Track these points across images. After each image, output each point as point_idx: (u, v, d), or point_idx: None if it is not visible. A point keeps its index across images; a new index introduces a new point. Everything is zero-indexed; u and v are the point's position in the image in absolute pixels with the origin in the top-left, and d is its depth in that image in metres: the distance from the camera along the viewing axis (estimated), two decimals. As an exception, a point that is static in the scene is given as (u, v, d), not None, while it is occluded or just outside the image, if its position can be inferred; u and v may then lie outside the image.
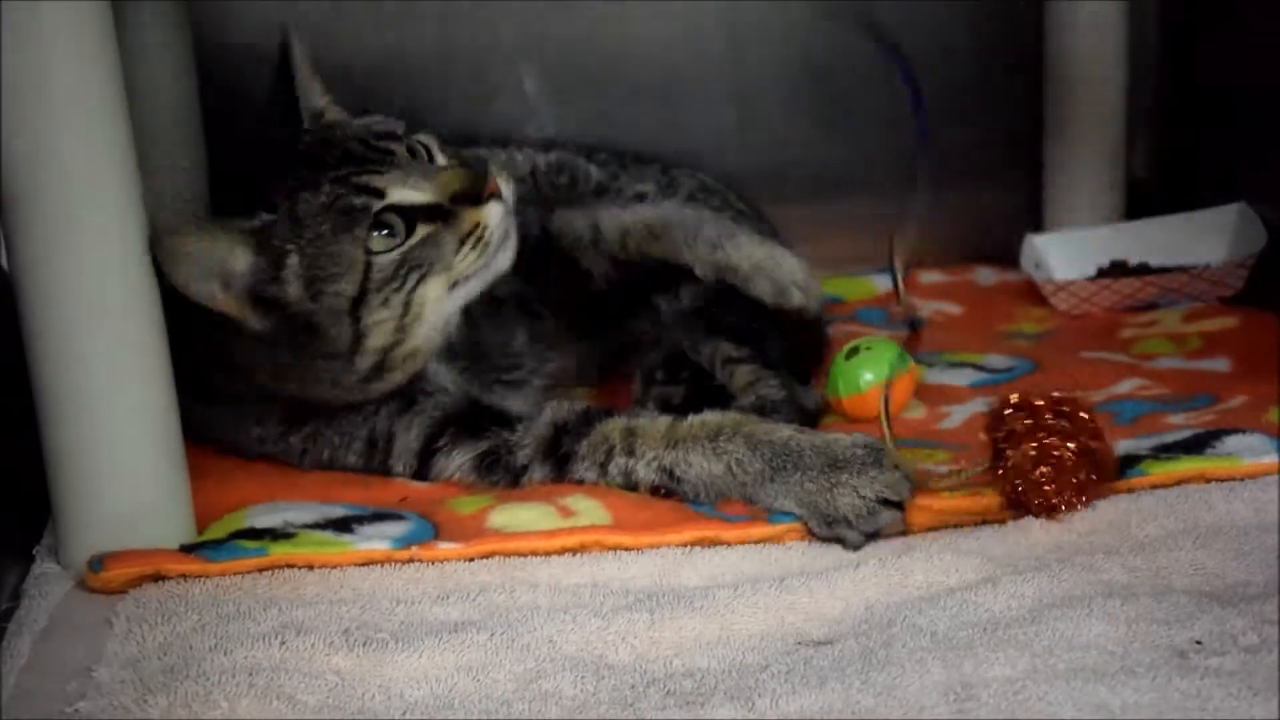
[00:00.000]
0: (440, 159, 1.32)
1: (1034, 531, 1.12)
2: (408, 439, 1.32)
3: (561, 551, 1.16)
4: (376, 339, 1.25)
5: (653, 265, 1.48)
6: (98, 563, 1.12)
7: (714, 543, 1.16)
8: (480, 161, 1.31)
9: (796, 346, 1.56)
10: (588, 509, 1.21)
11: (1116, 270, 1.79)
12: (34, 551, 1.21)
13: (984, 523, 1.17)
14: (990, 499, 1.16)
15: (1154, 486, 1.16)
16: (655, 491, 1.24)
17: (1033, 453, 1.13)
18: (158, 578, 1.13)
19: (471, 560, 1.15)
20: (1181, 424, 1.30)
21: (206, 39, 1.66)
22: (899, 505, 1.15)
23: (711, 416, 1.25)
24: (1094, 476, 1.14)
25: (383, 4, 1.82)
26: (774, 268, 1.43)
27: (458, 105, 1.86)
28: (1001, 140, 1.97)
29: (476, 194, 1.26)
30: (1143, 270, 1.77)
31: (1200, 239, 1.76)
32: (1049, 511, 1.14)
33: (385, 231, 1.24)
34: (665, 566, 1.14)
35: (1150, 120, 1.95)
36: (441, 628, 1.04)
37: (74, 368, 1.13)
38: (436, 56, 1.84)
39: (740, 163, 1.88)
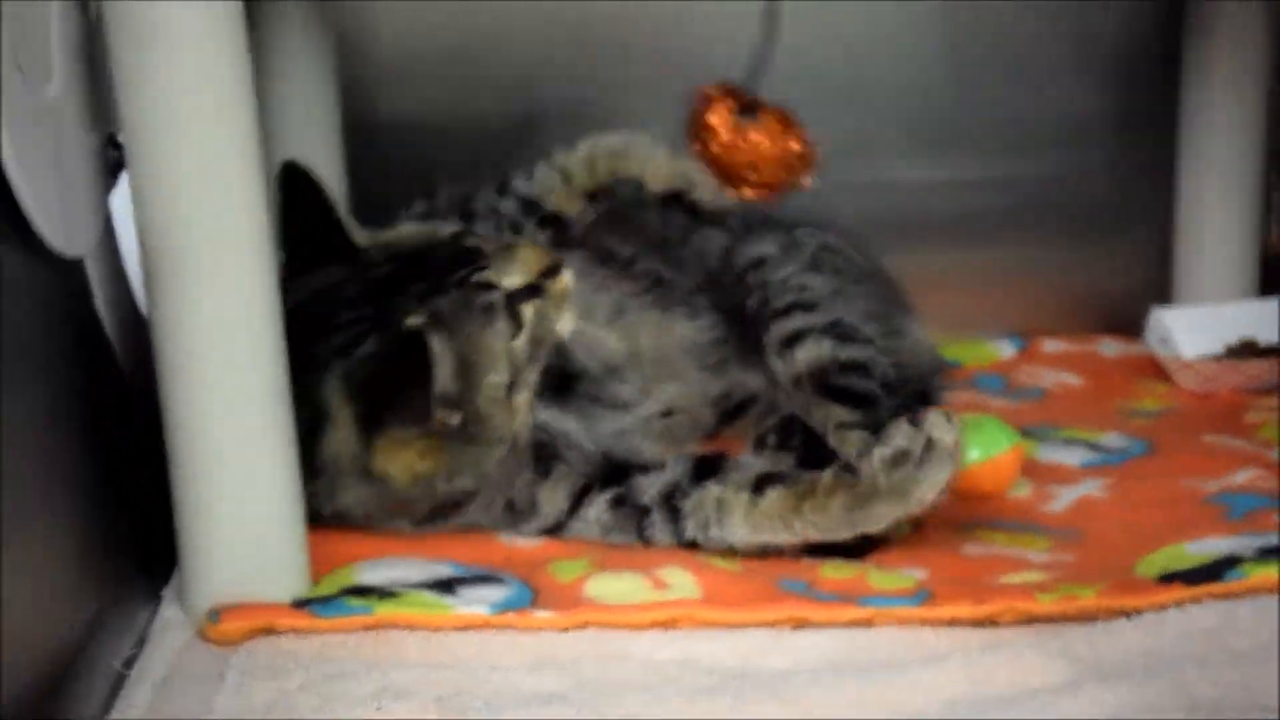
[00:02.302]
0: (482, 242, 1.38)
1: (1125, 633, 1.11)
2: (555, 502, 1.37)
3: (652, 625, 1.18)
4: (521, 415, 1.32)
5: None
6: (215, 614, 1.18)
7: (802, 622, 1.18)
8: (511, 237, 1.43)
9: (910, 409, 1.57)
10: (680, 582, 1.23)
11: (1246, 350, 1.75)
12: (162, 594, 1.28)
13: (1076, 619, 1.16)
14: (1085, 602, 1.16)
15: (1252, 591, 1.14)
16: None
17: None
18: (270, 631, 1.18)
19: (566, 630, 1.18)
20: (1290, 524, 1.28)
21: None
22: None
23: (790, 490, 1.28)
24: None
25: (525, 56, 1.85)
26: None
27: None
28: (1133, 210, 1.95)
29: (556, 267, 1.35)
30: (1274, 351, 1.73)
31: (1339, 321, 1.72)
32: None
33: (511, 318, 1.31)
34: (754, 646, 1.16)
35: (1289, 194, 1.91)
36: (533, 698, 1.08)
37: (201, 419, 1.19)
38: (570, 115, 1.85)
39: (859, 210, 1.85)
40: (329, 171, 1.69)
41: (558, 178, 1.57)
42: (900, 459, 1.25)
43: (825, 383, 1.49)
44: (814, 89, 1.81)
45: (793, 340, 1.53)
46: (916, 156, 1.92)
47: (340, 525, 1.32)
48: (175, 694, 1.10)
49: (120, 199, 1.26)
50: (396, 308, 1.28)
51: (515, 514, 1.37)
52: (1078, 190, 1.94)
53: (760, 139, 1.46)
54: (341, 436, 1.27)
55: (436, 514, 1.34)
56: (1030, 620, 1.16)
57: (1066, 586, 1.19)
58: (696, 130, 1.49)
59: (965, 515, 1.40)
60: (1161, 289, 1.91)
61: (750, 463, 1.35)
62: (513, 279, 1.32)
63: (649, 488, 1.33)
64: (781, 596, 1.21)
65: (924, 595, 1.20)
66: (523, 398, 1.32)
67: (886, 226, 1.86)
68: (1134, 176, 1.94)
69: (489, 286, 1.31)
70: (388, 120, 1.85)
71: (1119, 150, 1.93)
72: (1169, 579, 1.18)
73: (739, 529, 1.28)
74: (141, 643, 1.21)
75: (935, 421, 1.26)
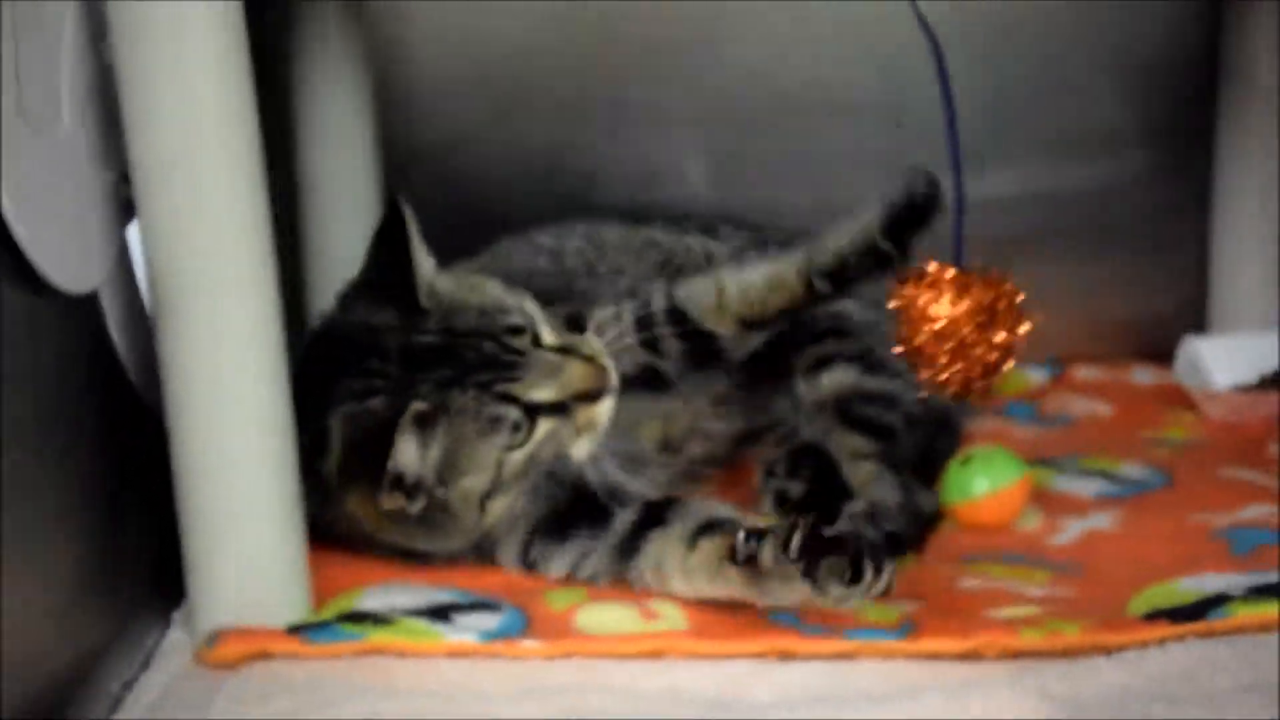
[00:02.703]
0: (546, 334, 1.34)
1: (1102, 672, 1.10)
2: (509, 545, 1.37)
3: (638, 655, 1.20)
4: (491, 518, 1.32)
5: (777, 322, 1.46)
6: (212, 639, 1.22)
7: (787, 654, 1.18)
8: (585, 343, 1.34)
9: (931, 443, 1.57)
10: (669, 614, 1.25)
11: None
12: (172, 617, 1.32)
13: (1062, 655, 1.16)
14: (1069, 639, 1.15)
15: (1236, 630, 1.13)
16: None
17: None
18: (266, 656, 1.21)
19: (552, 659, 1.20)
20: (1296, 562, 1.26)
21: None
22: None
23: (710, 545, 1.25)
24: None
25: (561, 82, 1.87)
26: None
27: (622, 187, 1.90)
28: (1169, 234, 1.92)
29: (600, 392, 1.32)
30: (1306, 382, 1.71)
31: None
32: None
33: (514, 429, 1.29)
34: (738, 678, 1.16)
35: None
36: (514, 727, 1.10)
37: (205, 449, 1.23)
38: (611, 135, 1.89)
39: None
40: (366, 196, 1.73)
41: (714, 295, 1.45)
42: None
43: (848, 410, 1.49)
44: (842, 108, 1.87)
45: (821, 364, 1.53)
46: (947, 177, 1.91)
47: (334, 534, 1.35)
48: (165, 715, 1.13)
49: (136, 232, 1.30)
50: (417, 382, 1.28)
51: (481, 553, 1.38)
52: (1113, 212, 1.92)
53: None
54: (330, 463, 1.29)
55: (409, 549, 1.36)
56: (1014, 655, 1.15)
57: (1053, 622, 1.18)
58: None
59: (969, 547, 1.40)
60: (1199, 313, 1.89)
61: (696, 510, 1.31)
62: (542, 392, 1.30)
63: (594, 538, 1.33)
64: (767, 628, 1.21)
65: (907, 628, 1.20)
66: (500, 503, 1.31)
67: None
68: (1170, 199, 1.91)
69: (508, 400, 1.29)
70: (424, 145, 1.87)
71: (1155, 173, 1.90)
72: (1155, 616, 1.17)
73: (676, 582, 1.26)
74: (147, 665, 1.24)
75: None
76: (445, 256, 1.45)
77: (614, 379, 1.33)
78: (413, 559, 1.35)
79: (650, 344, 1.44)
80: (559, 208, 1.79)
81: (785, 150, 1.90)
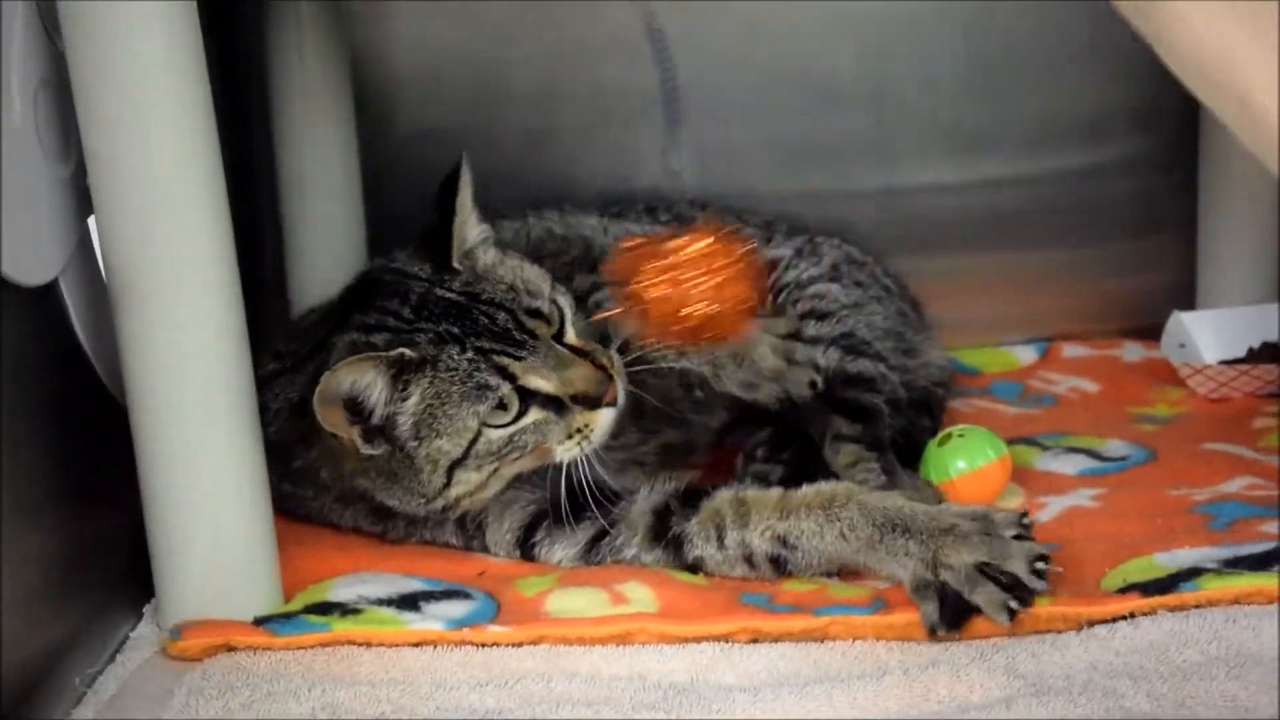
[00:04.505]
0: (570, 334, 1.33)
1: (1070, 648, 1.08)
2: (500, 531, 1.36)
3: (607, 640, 1.18)
4: (457, 491, 1.30)
5: None
6: (176, 631, 1.21)
7: (755, 634, 1.17)
8: (604, 353, 1.32)
9: (913, 426, 1.55)
10: (639, 597, 1.23)
11: (1268, 353, 1.70)
12: (143, 610, 1.31)
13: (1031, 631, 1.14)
14: (1039, 611, 1.13)
15: (1207, 603, 1.11)
16: (774, 563, 1.26)
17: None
18: (230, 648, 1.20)
19: (520, 645, 1.19)
20: (1273, 534, 1.23)
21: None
22: (1010, 586, 1.13)
23: (825, 486, 1.27)
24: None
25: (538, 70, 1.86)
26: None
27: (604, 173, 1.88)
28: (1157, 212, 1.90)
29: (598, 399, 1.29)
30: (1292, 354, 1.68)
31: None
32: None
33: (500, 407, 1.28)
34: (704, 662, 1.15)
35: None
36: (473, 714, 1.09)
37: (169, 440, 1.22)
38: (585, 127, 1.88)
39: (877, 214, 1.86)
40: (344, 183, 1.73)
41: None
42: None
43: (830, 393, 1.47)
44: (830, 93, 1.85)
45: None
46: (934, 160, 1.89)
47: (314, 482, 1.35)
48: (123, 711, 1.12)
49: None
50: (424, 330, 1.28)
51: (465, 532, 1.37)
52: (1100, 192, 1.90)
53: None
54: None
55: (379, 514, 1.36)
56: (983, 634, 1.13)
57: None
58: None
59: (946, 526, 1.37)
60: (1189, 291, 1.87)
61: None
62: (541, 381, 1.28)
63: (629, 542, 1.32)
64: (736, 608, 1.20)
65: (879, 604, 1.19)
66: (468, 478, 1.29)
67: (905, 230, 1.85)
68: (1161, 175, 1.89)
69: (502, 373, 1.27)
70: (404, 132, 1.87)
71: (1143, 153, 1.88)
72: (1126, 590, 1.15)
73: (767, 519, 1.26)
74: (113, 659, 1.23)
75: None
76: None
77: (620, 394, 1.31)
78: (384, 532, 1.35)
79: None
80: (536, 199, 1.77)
81: (765, 136, 1.88)
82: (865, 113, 1.86)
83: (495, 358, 1.27)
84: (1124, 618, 1.12)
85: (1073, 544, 1.31)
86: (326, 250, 1.73)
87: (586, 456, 1.30)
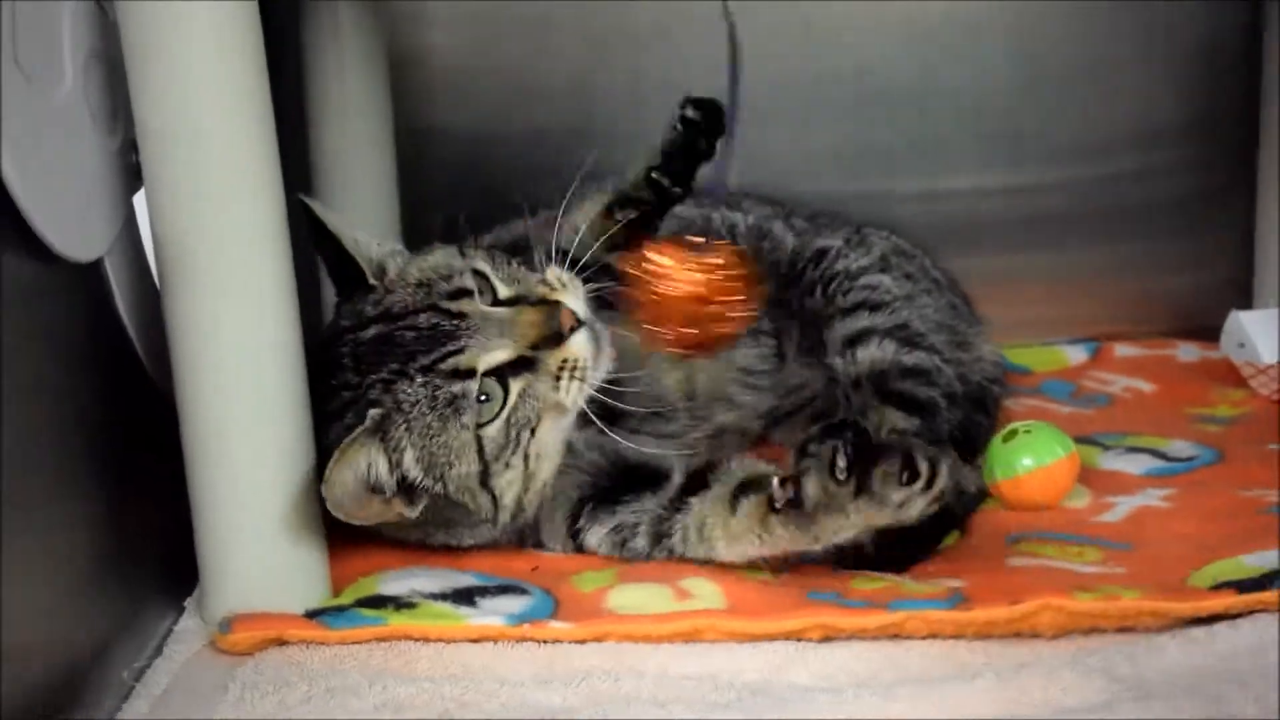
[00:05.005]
0: (501, 288, 1.25)
1: (1168, 651, 1.04)
2: (554, 523, 1.32)
3: (673, 637, 1.14)
4: (509, 497, 1.25)
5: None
6: (226, 624, 1.16)
7: (829, 631, 1.13)
8: (540, 282, 1.26)
9: (969, 421, 1.51)
10: (704, 593, 1.19)
11: (1329, 352, 1.66)
12: (185, 604, 1.26)
13: (1121, 629, 1.10)
14: (1126, 603, 1.09)
15: (1306, 604, 1.07)
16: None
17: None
18: (281, 642, 1.15)
19: (583, 642, 1.14)
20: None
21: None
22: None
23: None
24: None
25: (576, 63, 1.84)
26: None
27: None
28: (1214, 211, 1.87)
29: (558, 335, 1.22)
30: (1358, 354, 1.64)
31: None
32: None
33: (484, 399, 1.21)
34: (777, 661, 1.11)
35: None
36: (539, 713, 1.04)
37: (218, 426, 1.17)
38: (627, 112, 1.85)
39: (930, 215, 1.84)
40: (381, 179, 1.69)
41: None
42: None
43: (885, 386, 1.43)
44: (885, 95, 1.83)
45: (856, 340, 1.46)
46: (989, 160, 1.87)
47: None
48: (176, 706, 1.08)
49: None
50: (369, 385, 1.21)
51: (524, 539, 1.33)
52: (1156, 190, 1.87)
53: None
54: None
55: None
56: (1067, 628, 1.10)
57: (1109, 588, 1.12)
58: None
59: (1015, 525, 1.33)
60: (1241, 291, 1.84)
61: (733, 471, 1.25)
62: (498, 354, 1.21)
63: (639, 528, 1.27)
64: (806, 604, 1.16)
65: (957, 599, 1.14)
66: (507, 481, 1.24)
67: (958, 231, 1.82)
68: (1214, 175, 1.87)
69: (461, 374, 1.20)
70: (440, 128, 1.84)
71: (1198, 149, 1.86)
72: (1221, 588, 1.11)
73: (721, 547, 1.21)
74: (159, 652, 1.19)
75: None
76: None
77: (574, 312, 1.23)
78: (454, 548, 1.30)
79: None
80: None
81: (808, 133, 1.86)
82: (914, 113, 1.85)
83: (443, 364, 1.20)
84: (1221, 618, 1.07)
85: (1147, 545, 1.27)
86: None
87: (623, 433, 1.27)
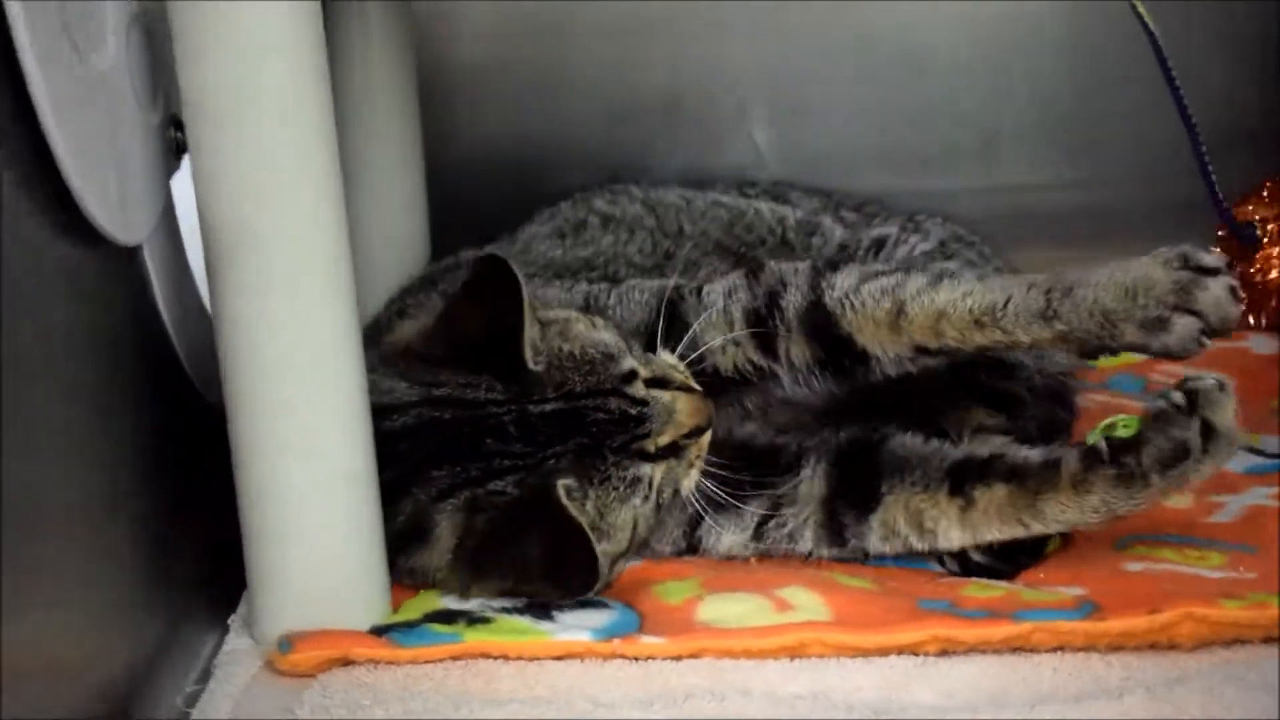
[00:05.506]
0: (641, 370, 1.17)
1: (1330, 663, 0.95)
2: (665, 529, 1.23)
3: (778, 652, 1.05)
4: (618, 571, 1.18)
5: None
6: (286, 643, 1.06)
7: (948, 644, 1.04)
8: (682, 368, 1.20)
9: (1052, 416, 1.42)
10: (806, 603, 1.10)
11: None
12: (229, 622, 1.16)
13: (1267, 640, 1.01)
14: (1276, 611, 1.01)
15: None
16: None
17: None
18: (347, 662, 1.06)
19: (678, 659, 1.05)
20: None
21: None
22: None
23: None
24: None
25: (613, 50, 1.79)
26: None
27: (684, 151, 1.83)
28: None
29: (702, 429, 1.17)
30: None
31: None
32: None
33: (650, 484, 1.15)
34: (895, 679, 1.01)
35: None
36: (643, 738, 0.95)
37: (271, 430, 1.08)
38: (665, 104, 1.81)
39: (984, 207, 1.78)
40: (407, 180, 1.61)
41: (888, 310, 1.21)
42: (1178, 454, 1.09)
43: (968, 379, 1.33)
44: (949, 90, 1.80)
45: None
46: (1049, 154, 1.84)
47: None
48: (242, 735, 0.98)
49: (181, 184, 1.15)
50: (549, 458, 1.11)
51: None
52: (1220, 184, 1.81)
53: None
54: (435, 558, 1.14)
55: None
56: (1208, 639, 1.01)
57: (1254, 595, 1.04)
58: None
59: (1121, 528, 1.24)
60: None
61: (923, 461, 1.18)
62: (663, 438, 1.15)
63: (801, 530, 1.20)
64: (920, 615, 1.06)
65: (1089, 608, 1.05)
66: (625, 563, 1.18)
67: (1017, 226, 1.75)
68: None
69: (646, 457, 1.14)
70: (467, 130, 1.80)
71: (1265, 142, 1.79)
72: (1380, 593, 1.03)
73: (954, 533, 1.15)
74: (207, 675, 1.09)
75: (1210, 399, 1.11)
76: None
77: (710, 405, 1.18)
78: None
79: (766, 343, 1.23)
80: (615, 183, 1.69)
81: (853, 107, 1.83)
82: (984, 110, 1.82)
83: (631, 446, 1.13)
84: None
85: (1271, 546, 1.18)
86: (387, 243, 1.59)
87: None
